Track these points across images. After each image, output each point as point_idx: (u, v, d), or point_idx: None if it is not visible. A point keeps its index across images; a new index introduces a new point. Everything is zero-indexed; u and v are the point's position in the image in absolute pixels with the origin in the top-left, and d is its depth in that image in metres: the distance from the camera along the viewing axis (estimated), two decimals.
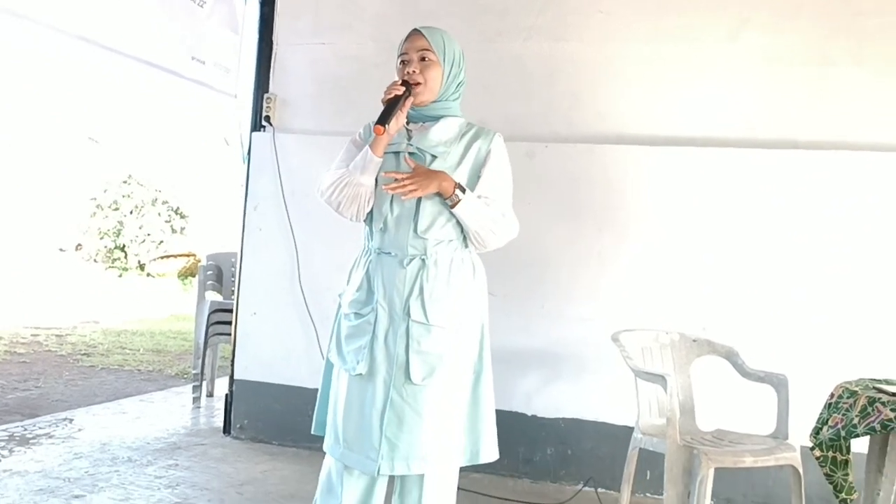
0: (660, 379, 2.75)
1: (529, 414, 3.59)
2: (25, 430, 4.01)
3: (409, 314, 2.13)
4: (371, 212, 2.22)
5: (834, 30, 3.34)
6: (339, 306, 2.29)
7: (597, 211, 3.52)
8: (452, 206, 2.11)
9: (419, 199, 2.13)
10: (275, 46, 4.02)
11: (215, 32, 3.75)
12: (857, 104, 3.31)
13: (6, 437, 3.83)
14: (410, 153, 2.17)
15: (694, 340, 3.13)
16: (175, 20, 3.45)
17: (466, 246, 2.22)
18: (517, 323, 3.57)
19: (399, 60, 2.23)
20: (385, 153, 2.16)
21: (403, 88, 2.12)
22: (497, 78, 3.65)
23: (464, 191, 2.11)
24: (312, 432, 2.34)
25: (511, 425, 3.56)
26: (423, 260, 2.15)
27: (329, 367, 2.31)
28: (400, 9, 3.77)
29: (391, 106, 2.09)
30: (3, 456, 3.55)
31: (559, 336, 3.54)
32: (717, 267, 3.40)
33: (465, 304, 2.20)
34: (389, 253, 2.17)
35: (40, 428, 4.06)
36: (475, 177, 2.20)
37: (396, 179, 2.08)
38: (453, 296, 2.17)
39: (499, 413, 3.36)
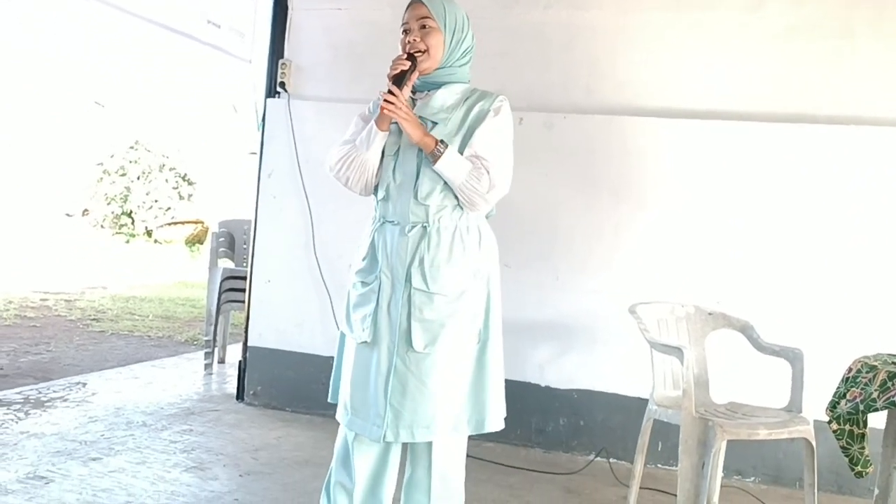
0: (676, 351, 2.76)
1: (543, 385, 3.60)
2: (40, 392, 4.04)
3: (410, 282, 2.13)
4: (377, 183, 2.23)
5: (856, 1, 3.30)
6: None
7: (614, 183, 3.50)
8: (434, 162, 2.09)
9: (419, 166, 2.14)
10: (290, 11, 3.99)
11: None
12: (878, 78, 3.28)
13: (21, 400, 3.87)
14: None
15: (710, 314, 3.13)
16: None
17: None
18: (531, 294, 3.57)
19: (401, 30, 2.21)
20: (391, 124, 2.16)
21: (409, 63, 2.10)
22: (515, 46, 3.62)
23: (445, 147, 2.09)
24: (329, 400, 2.36)
25: (524, 396, 3.58)
26: (424, 227, 2.15)
27: (343, 336, 2.33)
28: None
29: (397, 81, 2.09)
30: (19, 418, 3.59)
31: (573, 307, 3.55)
32: (733, 241, 3.39)
33: (468, 271, 2.18)
34: (392, 221, 2.18)
35: (54, 391, 4.09)
36: (472, 136, 2.18)
37: (393, 102, 2.05)
38: (456, 264, 2.16)
39: (512, 383, 3.38)
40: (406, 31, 2.19)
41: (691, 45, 3.45)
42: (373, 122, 2.16)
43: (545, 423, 3.61)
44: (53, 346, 5.49)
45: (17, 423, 3.52)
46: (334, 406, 2.29)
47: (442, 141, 2.10)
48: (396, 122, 2.15)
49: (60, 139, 13.85)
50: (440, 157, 2.08)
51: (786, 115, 3.35)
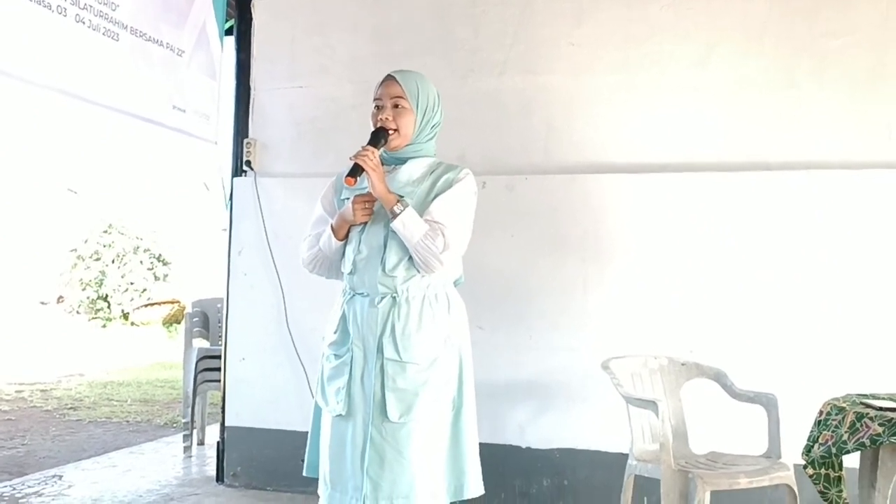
0: (651, 405, 2.77)
1: (524, 446, 3.58)
2: (14, 489, 3.95)
3: (382, 352, 2.15)
4: (344, 256, 2.28)
5: (797, 51, 3.43)
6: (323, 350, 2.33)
7: (579, 240, 3.55)
8: (392, 219, 2.13)
9: (386, 238, 2.17)
10: (252, 92, 4.06)
11: (195, 80, 3.78)
12: (823, 124, 3.39)
13: None
14: None
15: (682, 364, 3.15)
16: (155, 70, 3.48)
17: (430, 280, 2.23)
18: (506, 355, 3.57)
19: (374, 105, 2.28)
20: (355, 195, 2.22)
21: (373, 156, 2.13)
22: (473, 113, 3.70)
23: (403, 208, 2.13)
24: (304, 474, 2.34)
25: (505, 458, 3.55)
26: (393, 297, 2.17)
27: (317, 409, 2.33)
28: (375, 50, 3.83)
29: (374, 141, 2.18)
30: None
31: (548, 366, 3.55)
32: (700, 290, 3.43)
33: (439, 339, 2.20)
34: (362, 293, 2.21)
35: (29, 487, 4.00)
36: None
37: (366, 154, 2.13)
38: (427, 332, 2.18)
39: (492, 446, 3.37)
40: (379, 108, 2.25)
41: (644, 103, 3.56)
42: (330, 230, 2.25)
43: (528, 486, 3.57)
44: (29, 438, 5.37)
45: None
46: (314, 481, 2.28)
47: (402, 198, 2.14)
48: (362, 193, 2.20)
49: (34, 227, 13.81)
50: (399, 214, 2.12)
51: (740, 164, 3.44)
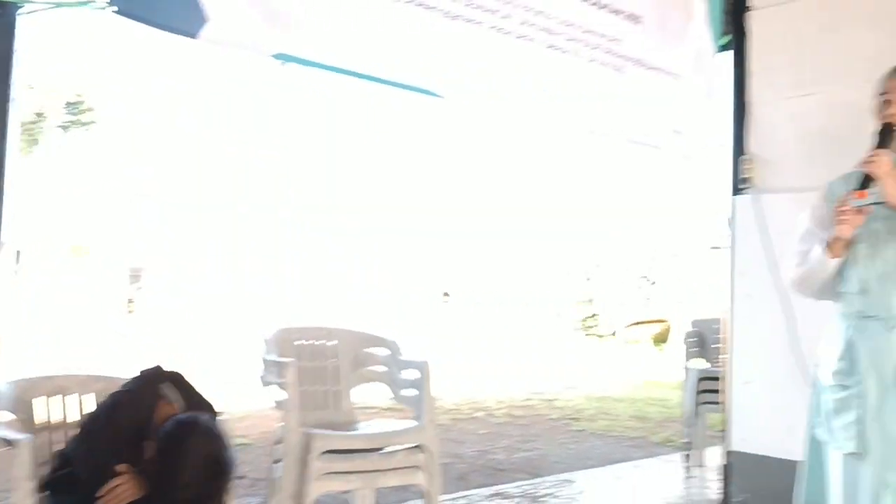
0: None
1: None
2: (534, 488, 4.39)
3: None
4: (844, 274, 2.05)
5: None
6: (816, 377, 2.15)
7: None
8: None
9: None
10: (750, 106, 3.93)
11: (692, 102, 3.82)
12: None
13: (520, 494, 4.24)
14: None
15: None
16: (657, 96, 3.61)
17: None
18: None
19: (879, 100, 2.06)
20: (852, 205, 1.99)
21: (885, 161, 1.92)
22: None
23: None
24: None
25: None
26: None
27: (814, 441, 2.15)
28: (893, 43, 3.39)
29: (882, 142, 1.99)
30: None
31: None
32: None
33: None
34: (873, 316, 1.98)
35: (546, 488, 4.40)
36: None
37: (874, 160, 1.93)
38: None
39: None
40: (887, 102, 2.05)
41: None
42: (822, 248, 2.03)
43: None
44: (540, 443, 5.94)
45: None
46: None
47: None
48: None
49: (538, 249, 15.45)
50: None
51: None
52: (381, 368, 3.25)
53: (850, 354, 2.03)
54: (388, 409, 4.78)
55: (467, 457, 5.31)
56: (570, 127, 3.31)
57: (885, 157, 1.93)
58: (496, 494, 4.22)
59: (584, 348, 13.55)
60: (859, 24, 3.55)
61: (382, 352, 3.26)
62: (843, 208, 1.99)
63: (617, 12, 3.50)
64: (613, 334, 13.94)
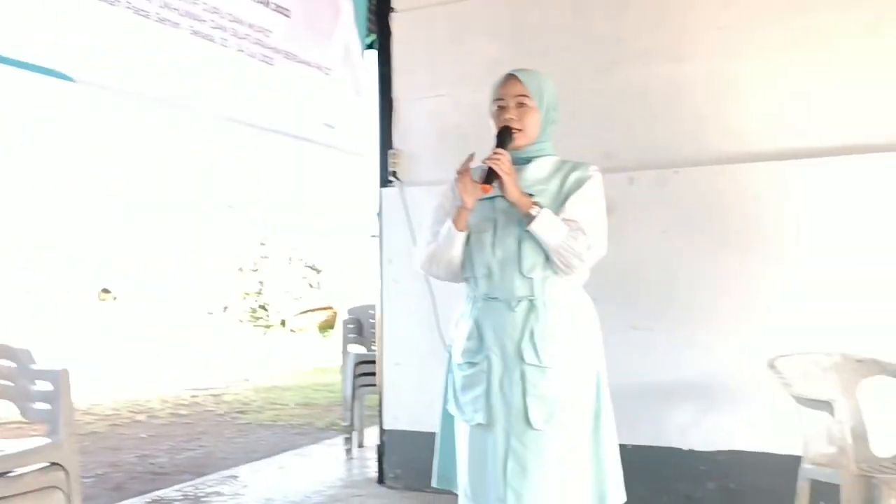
0: (825, 405, 2.60)
1: (685, 448, 3.46)
2: (197, 489, 4.24)
3: (522, 358, 2.10)
4: (471, 260, 2.20)
5: None
6: (450, 356, 2.30)
7: (738, 234, 3.39)
8: (529, 223, 2.08)
9: (520, 240, 2.13)
10: (395, 103, 4.16)
11: (342, 97, 3.93)
12: None
13: (181, 497, 4.06)
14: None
15: (859, 361, 2.94)
16: (307, 90, 3.65)
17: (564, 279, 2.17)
18: (665, 355, 3.46)
19: (495, 105, 2.24)
20: (482, 198, 2.16)
21: (506, 160, 2.10)
22: (618, 107, 3.62)
23: (540, 209, 2.08)
24: (434, 485, 2.35)
25: (666, 461, 3.44)
26: (531, 301, 2.13)
27: (447, 418, 2.31)
28: (513, 51, 3.81)
29: (501, 142, 2.15)
30: None
31: (710, 366, 3.41)
32: (875, 282, 3.19)
33: (577, 343, 2.16)
34: (496, 298, 2.16)
35: (209, 486, 4.28)
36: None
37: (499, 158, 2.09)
38: (565, 336, 2.13)
39: (652, 449, 3.28)
40: (501, 107, 2.21)
41: (803, 83, 3.35)
42: (450, 222, 2.17)
43: (693, 489, 3.45)
44: (206, 440, 5.75)
45: None
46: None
47: (536, 202, 2.10)
48: (488, 197, 2.15)
49: (201, 242, 14.84)
50: (536, 217, 2.08)
51: None
52: (7, 383, 2.88)
53: (477, 333, 2.18)
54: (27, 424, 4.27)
55: (125, 464, 4.97)
56: (218, 117, 3.22)
57: (506, 156, 2.09)
58: (155, 501, 4.01)
59: (253, 340, 13.40)
60: (481, 34, 3.94)
61: (6, 364, 2.90)
62: (463, 177, 2.13)
63: (266, 3, 3.48)
64: (283, 324, 13.96)
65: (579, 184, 2.17)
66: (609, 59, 3.67)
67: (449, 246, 2.19)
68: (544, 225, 2.08)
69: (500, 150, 2.11)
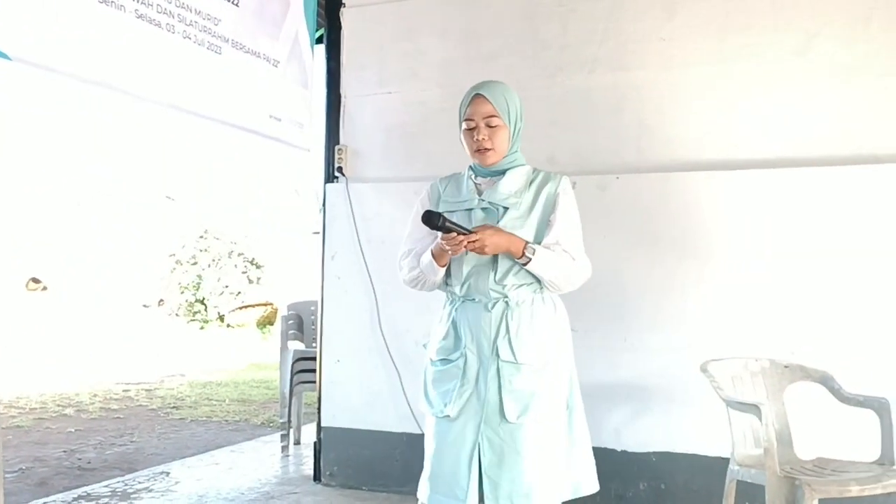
0: (753, 408, 2.68)
1: (619, 449, 3.53)
2: (126, 485, 4.14)
3: (497, 355, 2.20)
4: (449, 269, 2.31)
5: None
6: (426, 356, 2.38)
7: (675, 240, 3.48)
8: (525, 265, 2.19)
9: (496, 255, 2.22)
10: (343, 99, 4.14)
11: (289, 90, 3.88)
12: None
13: (109, 493, 3.97)
14: (483, 209, 2.27)
15: (786, 366, 3.04)
16: (254, 81, 3.60)
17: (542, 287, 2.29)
18: (600, 357, 3.53)
19: (464, 125, 2.27)
20: (457, 210, 2.28)
21: (460, 243, 2.12)
22: (563, 113, 3.67)
23: (534, 250, 2.17)
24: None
25: (601, 461, 3.46)
26: (506, 302, 2.23)
27: (423, 415, 2.40)
28: (463, 52, 3.85)
29: (445, 231, 2.13)
30: None
31: (644, 368, 3.49)
32: (803, 289, 3.31)
33: (550, 341, 2.26)
34: (473, 299, 2.26)
35: (139, 482, 4.19)
36: (545, 221, 2.26)
37: (465, 244, 2.13)
38: (538, 334, 2.24)
39: None
40: (471, 128, 2.25)
41: (740, 97, 3.45)
42: (431, 255, 2.23)
43: (625, 489, 3.52)
44: (137, 436, 5.63)
45: None
46: (411, 483, 2.31)
47: (528, 244, 2.18)
48: (465, 209, 2.29)
49: (134, 233, 14.48)
50: (531, 259, 2.17)
51: (845, 158, 3.29)
52: None
53: (454, 332, 2.28)
54: None
55: (51, 459, 4.82)
56: (160, 104, 3.15)
57: (483, 233, 2.11)
58: (82, 497, 3.90)
59: (189, 334, 13.14)
60: (432, 33, 3.95)
61: None
62: (453, 244, 2.13)
63: None
64: (221, 319, 13.72)
65: (553, 201, 2.27)
66: (555, 65, 3.73)
67: (432, 274, 2.29)
68: (540, 264, 2.18)
69: (447, 238, 2.12)
